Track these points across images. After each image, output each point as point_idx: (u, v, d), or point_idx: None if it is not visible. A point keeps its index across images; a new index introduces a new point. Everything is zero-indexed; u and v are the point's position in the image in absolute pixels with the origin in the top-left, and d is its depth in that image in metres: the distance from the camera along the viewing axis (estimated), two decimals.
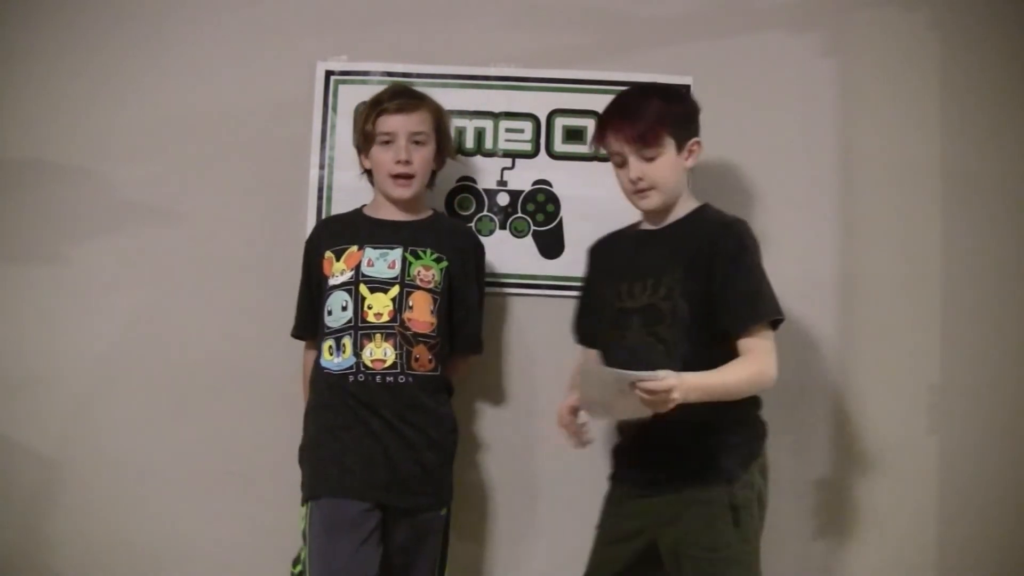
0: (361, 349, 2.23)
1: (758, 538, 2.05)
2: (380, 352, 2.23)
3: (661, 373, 1.87)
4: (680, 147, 2.10)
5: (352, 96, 2.57)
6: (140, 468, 2.57)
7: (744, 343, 2.00)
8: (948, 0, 2.58)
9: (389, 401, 2.22)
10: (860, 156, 2.57)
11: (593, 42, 2.61)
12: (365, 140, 2.33)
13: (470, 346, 2.41)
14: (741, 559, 2.02)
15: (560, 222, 2.57)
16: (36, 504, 2.57)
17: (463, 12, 2.62)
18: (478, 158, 2.58)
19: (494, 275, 2.54)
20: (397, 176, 2.29)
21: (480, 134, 2.59)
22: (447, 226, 2.43)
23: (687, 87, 2.45)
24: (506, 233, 2.58)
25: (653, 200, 2.11)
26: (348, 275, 2.28)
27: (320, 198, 2.57)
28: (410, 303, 2.26)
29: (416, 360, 2.25)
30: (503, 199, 2.58)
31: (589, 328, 2.26)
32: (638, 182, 2.09)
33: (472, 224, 2.57)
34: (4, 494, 2.57)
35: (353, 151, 2.49)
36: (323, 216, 2.54)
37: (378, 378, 2.22)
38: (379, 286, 2.26)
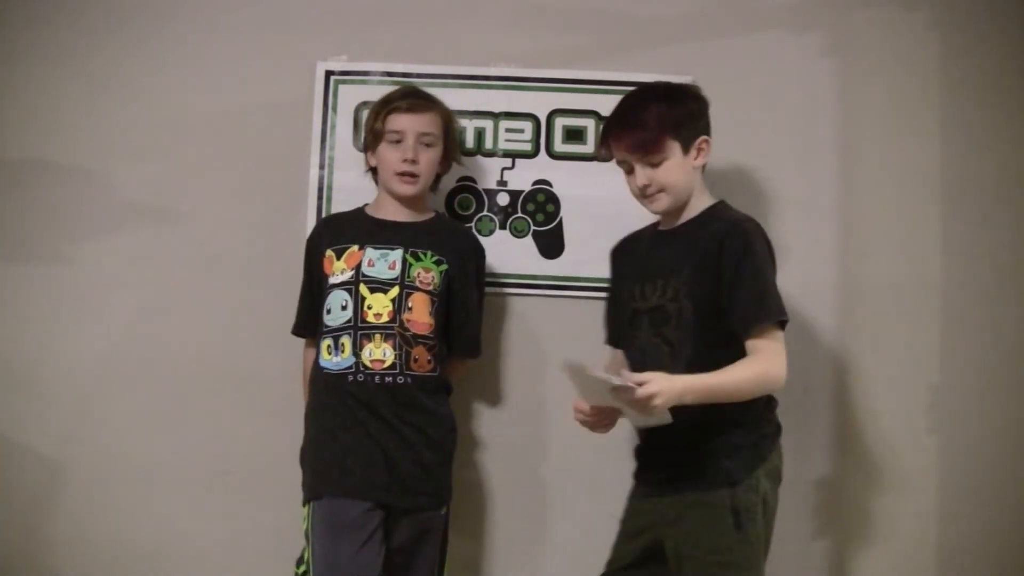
0: (360, 349, 2.23)
1: (761, 542, 2.03)
2: (379, 352, 2.23)
3: (648, 376, 1.88)
4: (686, 148, 2.09)
5: (352, 96, 2.58)
6: (140, 468, 2.57)
7: (751, 344, 1.99)
8: (948, 0, 2.58)
9: (388, 401, 2.22)
10: (860, 156, 2.56)
11: (593, 42, 2.61)
12: (373, 137, 2.33)
13: (469, 349, 2.41)
14: (742, 563, 2.00)
15: (560, 222, 2.57)
16: (36, 504, 2.58)
17: (463, 12, 2.62)
18: (478, 158, 2.58)
19: (494, 275, 2.54)
20: (402, 174, 2.30)
21: (480, 134, 2.59)
22: (448, 228, 2.43)
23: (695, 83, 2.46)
24: (506, 233, 2.58)
25: (663, 203, 2.11)
26: (348, 274, 2.28)
27: (320, 198, 2.57)
28: (409, 304, 2.26)
29: (415, 361, 2.25)
30: (503, 199, 2.58)
31: (614, 329, 2.27)
32: (646, 188, 2.10)
33: (472, 224, 2.57)
34: (4, 494, 2.58)
35: (353, 151, 2.50)
36: (323, 216, 2.54)
37: (377, 378, 2.22)
38: (379, 286, 2.27)
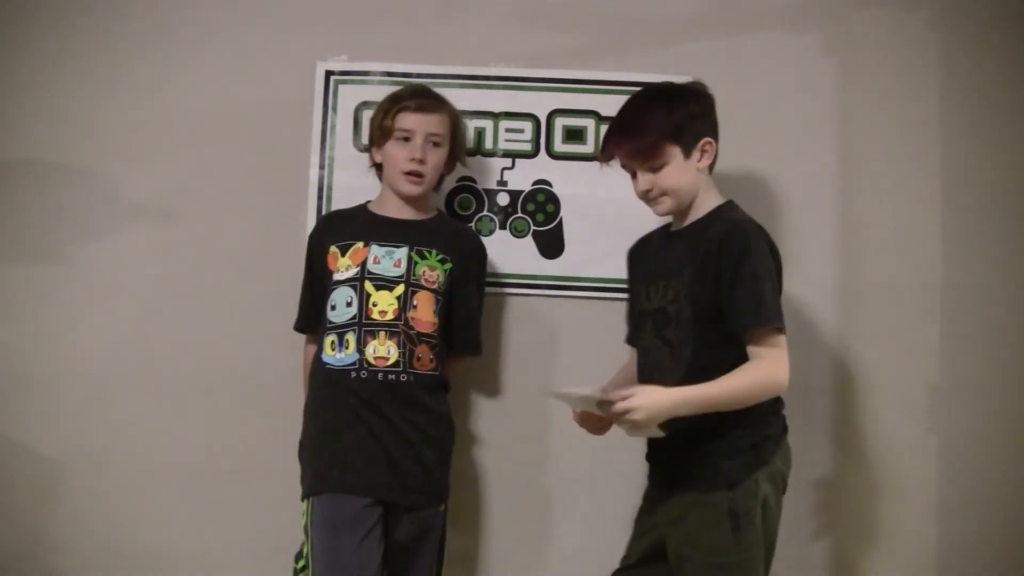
0: (364, 346, 2.23)
1: (760, 546, 2.02)
2: (384, 350, 2.23)
3: (632, 391, 1.91)
4: (687, 151, 2.08)
5: (352, 96, 2.58)
6: (141, 467, 2.57)
7: (752, 349, 1.99)
8: (948, 0, 2.58)
9: (390, 399, 2.22)
10: (860, 156, 2.57)
11: (593, 42, 2.61)
12: (381, 134, 2.33)
13: (470, 348, 2.41)
14: (740, 566, 1.99)
15: (560, 222, 2.57)
16: (37, 504, 2.57)
17: (463, 12, 2.62)
18: (478, 158, 2.58)
19: (494, 275, 2.54)
20: (409, 173, 2.30)
21: (480, 134, 2.59)
22: (452, 228, 2.43)
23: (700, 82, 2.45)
24: (506, 233, 2.58)
25: (666, 205, 2.11)
26: (353, 271, 2.28)
27: (320, 198, 2.57)
28: (414, 302, 2.27)
29: (418, 359, 2.25)
30: (503, 199, 2.58)
31: (631, 330, 2.28)
32: (648, 193, 2.10)
33: (472, 224, 2.57)
34: (6, 494, 2.57)
35: (353, 151, 2.50)
36: (324, 213, 2.54)
37: (380, 375, 2.23)
38: (384, 284, 2.27)
